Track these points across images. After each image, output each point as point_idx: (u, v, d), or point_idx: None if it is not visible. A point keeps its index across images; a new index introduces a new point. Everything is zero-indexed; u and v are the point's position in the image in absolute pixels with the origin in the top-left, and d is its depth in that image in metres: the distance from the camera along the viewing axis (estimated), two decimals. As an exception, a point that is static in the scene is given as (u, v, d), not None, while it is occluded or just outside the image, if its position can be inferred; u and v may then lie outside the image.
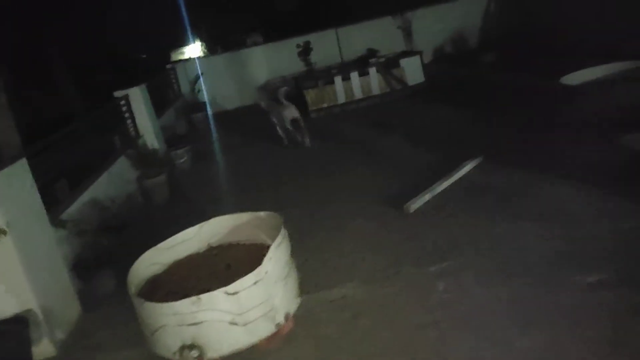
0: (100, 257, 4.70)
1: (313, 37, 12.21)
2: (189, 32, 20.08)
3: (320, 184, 6.25)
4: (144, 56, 20.90)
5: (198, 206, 6.47)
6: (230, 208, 6.00)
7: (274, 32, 15.71)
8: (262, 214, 4.01)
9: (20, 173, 3.94)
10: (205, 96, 12.05)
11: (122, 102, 7.74)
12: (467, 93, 8.78)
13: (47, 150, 5.26)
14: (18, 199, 3.84)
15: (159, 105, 9.96)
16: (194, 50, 21.31)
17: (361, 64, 10.46)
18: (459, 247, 4.10)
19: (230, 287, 3.18)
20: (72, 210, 4.98)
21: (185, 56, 20.41)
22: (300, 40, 12.11)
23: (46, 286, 3.91)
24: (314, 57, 12.11)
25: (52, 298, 3.94)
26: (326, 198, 5.76)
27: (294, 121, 7.83)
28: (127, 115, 7.78)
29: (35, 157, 5.00)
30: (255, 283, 3.24)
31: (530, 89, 7.94)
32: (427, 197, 5.09)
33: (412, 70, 9.95)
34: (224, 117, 11.35)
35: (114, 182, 6.20)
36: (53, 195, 5.08)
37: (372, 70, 9.87)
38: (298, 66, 12.20)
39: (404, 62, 9.94)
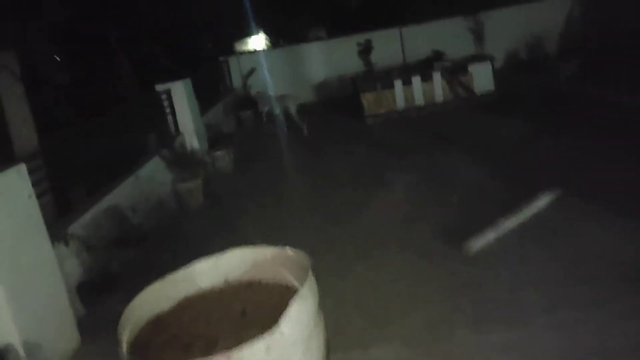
0: (110, 277, 4.16)
1: (375, 36, 11.42)
2: (253, 23, 19.72)
3: (364, 202, 5.49)
4: (210, 45, 20.67)
5: (231, 217, 5.87)
6: (261, 225, 5.36)
7: (336, 28, 15.06)
8: (289, 251, 3.31)
9: (16, 180, 3.41)
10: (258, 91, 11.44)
11: (164, 97, 7.26)
12: (545, 108, 7.69)
13: (66, 148, 4.79)
14: (10, 211, 3.32)
15: (206, 100, 9.49)
16: (257, 42, 20.94)
17: (425, 68, 9.58)
18: (530, 312, 3.25)
19: (235, 355, 2.51)
20: (86, 220, 4.47)
21: (249, 47, 20.13)
22: (362, 38, 11.37)
23: (37, 314, 3.38)
24: (374, 56, 11.34)
25: (42, 328, 3.40)
26: (368, 223, 4.99)
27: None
28: (167, 111, 7.30)
29: (50, 156, 4.54)
30: (267, 351, 2.56)
31: (622, 107, 6.83)
32: (492, 235, 4.24)
33: (482, 78, 8.97)
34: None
35: (141, 186, 5.69)
36: (66, 202, 4.60)
37: (437, 75, 8.98)
38: (357, 65, 11.45)
39: (473, 67, 8.98)
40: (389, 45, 11.78)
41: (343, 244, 4.59)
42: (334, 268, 4.10)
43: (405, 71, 9.86)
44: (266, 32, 20.36)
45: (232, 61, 11.79)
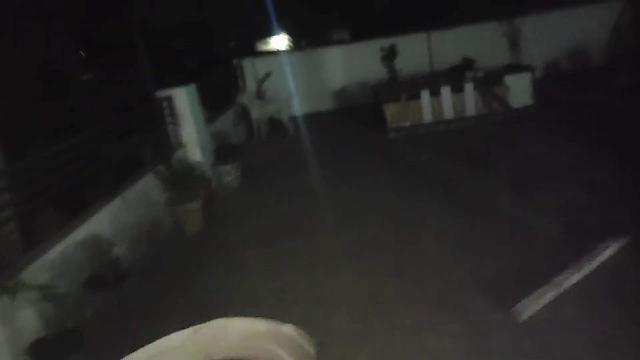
0: (75, 332, 3.39)
1: (400, 40, 10.56)
2: (276, 23, 19.04)
3: (388, 244, 4.65)
4: (232, 43, 19.99)
5: (231, 246, 5.09)
6: (264, 263, 4.56)
7: (360, 30, 14.25)
8: (289, 330, 2.50)
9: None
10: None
11: (164, 104, 6.50)
12: (597, 127, 6.73)
13: (40, 166, 4.05)
14: None
15: (217, 106, 8.74)
16: (279, 42, 20.24)
17: (455, 77, 8.70)
18: None
19: None
20: (53, 256, 3.71)
21: (271, 47, 19.47)
22: (386, 42, 10.53)
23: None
24: (399, 63, 10.49)
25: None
26: (393, 270, 4.16)
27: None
28: (168, 120, 6.55)
29: (19, 176, 3.81)
30: None
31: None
32: (548, 296, 3.40)
33: (519, 90, 8.06)
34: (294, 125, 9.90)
35: (129, 209, 4.93)
36: (34, 232, 3.85)
37: (469, 86, 8.09)
38: (380, 72, 10.61)
39: (510, 79, 8.08)
40: (415, 51, 10.91)
41: (350, 302, 3.78)
42: (342, 335, 3.31)
43: (433, 80, 8.99)
44: (289, 32, 19.69)
45: (247, 64, 11.01)
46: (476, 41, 10.68)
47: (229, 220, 5.86)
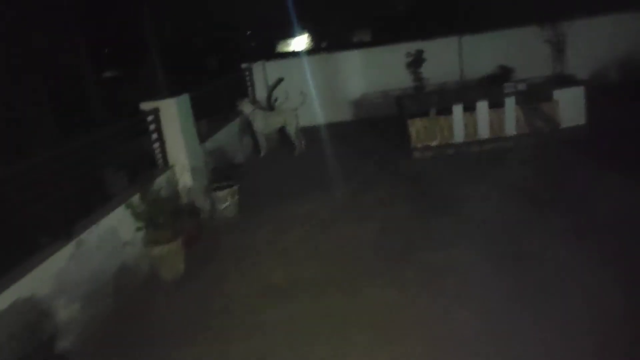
0: None
1: (428, 45, 9.44)
2: (297, 23, 18.19)
3: (416, 320, 3.54)
4: (253, 45, 19.10)
5: (212, 307, 4.04)
6: (257, 329, 3.49)
7: (383, 33, 13.19)
8: None
9: None
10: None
11: (150, 119, 5.50)
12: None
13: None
14: None
15: (218, 117, 7.73)
16: (299, 43, 19.34)
17: (491, 89, 7.56)
18: None
19: None
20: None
21: (286, 50, 18.57)
22: (412, 47, 9.43)
23: None
24: (426, 70, 9.38)
25: None
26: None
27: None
28: (154, 137, 5.55)
29: None
30: None
31: None
32: None
33: (570, 107, 6.88)
34: (308, 138, 8.80)
35: (85, 257, 3.91)
36: None
37: (510, 101, 6.94)
38: (404, 80, 9.51)
39: (559, 93, 6.90)
40: (444, 57, 9.75)
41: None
42: None
43: (466, 92, 7.86)
44: (309, 33, 18.78)
45: (257, 69, 9.96)
46: (514, 47, 9.50)
47: (217, 264, 4.80)
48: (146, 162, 5.46)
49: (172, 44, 14.35)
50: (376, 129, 8.94)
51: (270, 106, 9.15)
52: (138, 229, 4.43)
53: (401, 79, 9.51)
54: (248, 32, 18.19)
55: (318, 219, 5.48)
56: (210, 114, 7.51)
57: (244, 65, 9.84)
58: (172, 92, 5.90)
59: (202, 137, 6.48)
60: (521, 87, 7.42)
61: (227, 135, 7.62)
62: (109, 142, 4.90)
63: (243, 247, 5.10)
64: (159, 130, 5.57)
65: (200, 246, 5.13)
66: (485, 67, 9.18)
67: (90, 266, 3.96)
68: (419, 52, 9.33)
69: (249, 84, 9.76)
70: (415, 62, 9.39)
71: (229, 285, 4.35)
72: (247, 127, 8.37)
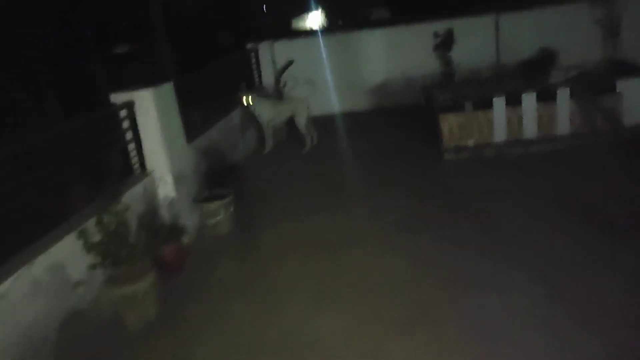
0: None
1: (459, 24, 8.23)
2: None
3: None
4: (270, 21, 17.85)
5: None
6: None
7: (406, 10, 11.91)
8: None
9: None
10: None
11: (123, 114, 4.45)
12: None
13: None
14: None
15: (216, 107, 6.64)
16: (314, 20, 18.10)
17: (534, 77, 6.37)
18: None
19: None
20: None
21: (306, 26, 17.37)
22: (440, 26, 8.23)
23: None
24: (456, 53, 8.20)
25: None
26: None
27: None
28: (128, 136, 4.50)
29: None
30: None
31: None
32: None
33: (635, 101, 5.68)
34: (320, 130, 7.61)
35: (14, 307, 2.90)
36: None
37: (563, 93, 5.74)
38: (431, 64, 8.35)
39: (623, 84, 5.69)
40: (477, 39, 8.49)
41: None
42: None
43: (506, 80, 6.67)
44: (325, 9, 17.56)
45: (264, 49, 8.81)
46: (558, 27, 8.22)
47: (199, 307, 3.77)
48: (117, 168, 4.43)
49: (182, 18, 13.25)
50: (398, 122, 7.79)
51: (278, 93, 8.04)
52: (92, 267, 3.40)
53: (428, 63, 8.34)
54: (263, 5, 16.97)
55: (324, 239, 4.42)
56: (207, 103, 6.45)
57: (249, 46, 8.71)
58: (162, 79, 4.83)
59: (193, 133, 5.42)
60: (571, 73, 6.22)
61: (225, 130, 6.53)
62: (64, 142, 3.84)
63: (232, 280, 4.05)
64: (134, 128, 4.51)
65: (181, 278, 4.12)
66: (524, 50, 7.92)
67: (23, 320, 2.96)
68: (449, 32, 8.13)
69: (254, 66, 8.64)
70: (444, 43, 8.21)
71: (208, 340, 3.32)
72: (250, 118, 7.27)
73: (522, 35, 8.36)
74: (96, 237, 3.42)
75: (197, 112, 5.96)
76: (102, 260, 3.41)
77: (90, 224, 3.50)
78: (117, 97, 4.45)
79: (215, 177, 5.34)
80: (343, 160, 6.55)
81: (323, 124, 7.80)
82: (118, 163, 4.43)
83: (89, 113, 4.21)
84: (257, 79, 8.69)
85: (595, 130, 5.70)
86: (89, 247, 3.35)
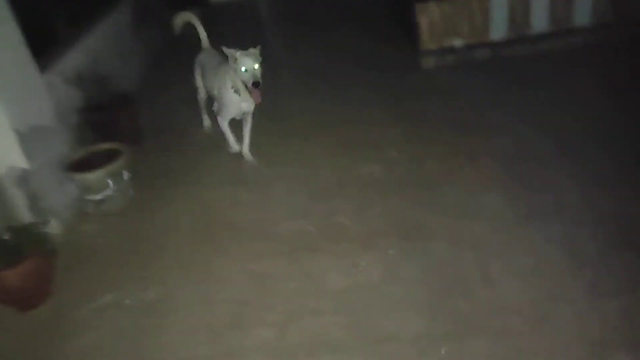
0: None
1: None
2: None
3: None
4: None
5: None
6: None
7: None
8: None
9: None
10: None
11: None
12: None
13: None
14: None
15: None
16: None
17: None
18: None
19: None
20: None
21: None
22: None
23: None
24: None
25: None
26: None
27: None
28: None
29: None
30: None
31: None
32: None
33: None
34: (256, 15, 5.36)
35: None
36: None
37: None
38: None
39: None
40: None
41: None
42: None
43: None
44: None
45: None
46: None
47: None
48: None
49: None
50: (357, 13, 5.96)
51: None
52: None
53: None
54: None
55: (266, 222, 2.88)
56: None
57: None
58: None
59: (52, 53, 3.48)
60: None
61: (108, 35, 4.51)
62: None
63: (125, 310, 2.47)
64: None
65: (41, 309, 2.51)
66: None
67: None
68: None
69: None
70: None
71: None
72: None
73: None
74: None
75: (57, 11, 3.92)
76: None
77: None
78: None
79: (97, 121, 3.52)
80: (282, 73, 4.78)
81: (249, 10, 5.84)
82: None
83: None
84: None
85: (623, 20, 4.26)
86: None
